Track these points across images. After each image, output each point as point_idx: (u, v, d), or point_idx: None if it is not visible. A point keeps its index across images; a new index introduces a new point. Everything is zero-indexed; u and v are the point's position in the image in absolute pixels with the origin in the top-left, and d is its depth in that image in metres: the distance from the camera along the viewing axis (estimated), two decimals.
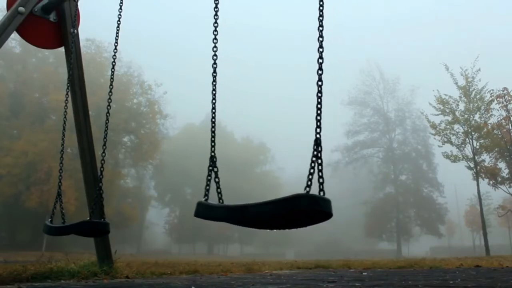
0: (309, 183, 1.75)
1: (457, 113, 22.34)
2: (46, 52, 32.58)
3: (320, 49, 1.97)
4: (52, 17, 4.35)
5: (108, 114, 3.66)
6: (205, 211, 2.04)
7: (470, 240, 55.11)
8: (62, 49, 4.59)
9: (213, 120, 2.39)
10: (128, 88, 38.75)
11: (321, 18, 2.01)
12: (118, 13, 3.82)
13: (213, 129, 2.37)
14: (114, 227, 24.96)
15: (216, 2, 2.54)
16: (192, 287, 3.16)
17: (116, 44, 3.86)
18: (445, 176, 47.27)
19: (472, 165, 21.72)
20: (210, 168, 2.21)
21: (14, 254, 18.81)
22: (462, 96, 22.34)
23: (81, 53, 4.59)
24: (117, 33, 3.84)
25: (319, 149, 1.81)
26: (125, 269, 4.58)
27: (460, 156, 22.13)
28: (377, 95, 52.03)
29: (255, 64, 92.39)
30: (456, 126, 22.40)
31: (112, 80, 3.76)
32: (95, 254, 4.48)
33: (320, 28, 1.99)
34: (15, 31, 3.98)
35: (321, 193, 1.75)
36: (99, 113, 29.18)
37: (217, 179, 2.21)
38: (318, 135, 1.83)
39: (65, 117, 4.05)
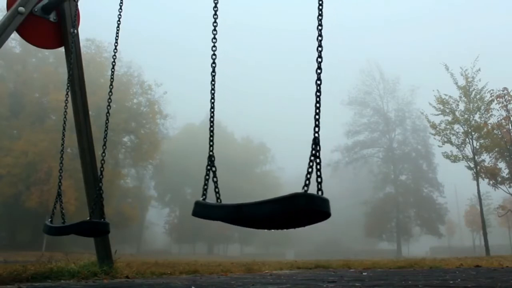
0: (307, 182, 1.74)
1: (457, 113, 22.35)
2: (46, 52, 32.58)
3: (319, 48, 1.97)
4: (52, 17, 4.35)
5: (108, 114, 3.66)
6: (202, 210, 2.03)
7: (470, 240, 55.12)
8: (62, 49, 4.60)
9: (212, 119, 2.39)
10: (128, 88, 38.75)
11: (320, 17, 2.01)
12: (118, 13, 3.82)
13: (211, 129, 2.37)
14: (114, 227, 24.96)
15: (216, 2, 2.54)
16: (192, 287, 3.16)
17: (116, 44, 3.86)
18: (445, 176, 47.33)
19: (472, 165, 21.72)
20: (208, 167, 2.20)
21: (14, 254, 18.81)
22: (462, 96, 22.34)
23: (81, 53, 4.59)
24: (117, 33, 3.84)
25: (318, 148, 1.80)
26: (125, 269, 4.58)
27: (460, 156, 22.14)
28: (377, 95, 52.10)
29: (255, 64, 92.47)
30: (456, 126, 22.41)
31: (112, 80, 3.76)
32: (95, 254, 4.48)
33: (320, 27, 1.99)
34: (15, 31, 3.98)
35: (319, 193, 1.74)
36: (99, 113, 29.17)
37: (215, 179, 2.20)
38: (316, 134, 1.83)
39: (65, 117, 4.05)
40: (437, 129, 22.78)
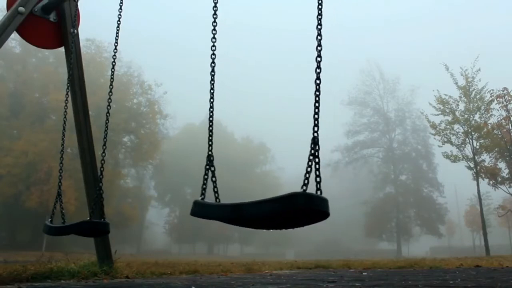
0: (306, 181, 1.74)
1: (457, 113, 22.35)
2: (46, 52, 32.58)
3: (319, 48, 1.97)
4: (52, 17, 4.35)
5: (108, 114, 3.66)
6: (201, 210, 2.03)
7: (470, 240, 55.12)
8: (62, 49, 4.60)
9: (211, 119, 2.39)
10: (128, 88, 38.74)
11: (320, 16, 2.01)
12: (118, 13, 3.82)
13: (210, 128, 2.37)
14: (114, 227, 24.97)
15: (216, 1, 2.54)
16: (192, 287, 3.16)
17: (116, 44, 3.86)
18: (445, 176, 47.33)
19: (472, 165, 21.72)
20: (207, 167, 2.20)
21: (14, 254, 18.81)
22: (462, 96, 22.34)
23: (81, 53, 4.59)
24: (117, 33, 3.84)
25: (316, 147, 1.80)
26: (125, 269, 4.58)
27: (460, 156, 22.14)
28: (377, 95, 52.10)
29: (255, 64, 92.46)
30: (456, 126, 22.41)
31: (112, 80, 3.76)
32: (95, 254, 4.48)
33: (319, 27, 1.99)
34: (15, 31, 3.98)
35: (318, 192, 1.73)
36: (99, 113, 29.17)
37: (214, 178, 2.20)
38: (315, 134, 1.82)
39: (65, 117, 4.05)
40: (437, 129, 22.78)
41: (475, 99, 22.04)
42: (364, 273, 5.08)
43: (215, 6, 2.53)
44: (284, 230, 2.05)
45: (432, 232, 47.09)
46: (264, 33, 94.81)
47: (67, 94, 4.10)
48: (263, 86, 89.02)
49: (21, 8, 3.92)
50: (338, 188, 51.16)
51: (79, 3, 4.47)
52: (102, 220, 3.54)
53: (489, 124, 21.88)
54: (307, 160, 1.77)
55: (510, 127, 21.72)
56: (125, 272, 4.39)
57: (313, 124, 1.84)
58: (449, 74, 22.47)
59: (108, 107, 3.64)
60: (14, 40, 28.93)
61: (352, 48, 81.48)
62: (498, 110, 21.85)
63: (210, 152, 2.24)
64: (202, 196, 2.10)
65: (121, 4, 3.85)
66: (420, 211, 47.47)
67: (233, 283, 3.50)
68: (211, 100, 2.44)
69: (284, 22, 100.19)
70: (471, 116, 21.98)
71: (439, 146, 23.21)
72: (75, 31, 4.37)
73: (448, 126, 22.50)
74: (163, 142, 43.14)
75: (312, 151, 1.78)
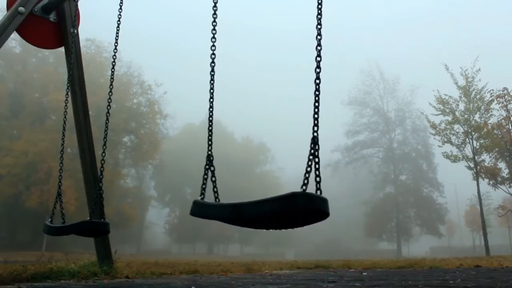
0: (305, 181, 1.74)
1: (457, 113, 22.34)
2: (46, 52, 32.58)
3: (319, 48, 1.96)
4: (52, 17, 4.35)
5: (108, 114, 3.66)
6: (200, 210, 2.03)
7: (470, 240, 55.12)
8: (62, 49, 4.60)
9: (211, 119, 2.39)
10: (128, 88, 38.74)
11: (319, 16, 2.01)
12: (118, 13, 3.82)
13: (210, 128, 2.36)
14: (114, 227, 24.97)
15: (215, 1, 2.54)
16: (192, 287, 3.16)
17: (116, 44, 3.86)
18: (445, 176, 47.33)
19: (472, 165, 21.72)
20: (207, 167, 2.20)
21: (14, 254, 18.80)
22: (462, 96, 22.34)
23: (81, 53, 4.59)
24: (117, 33, 3.84)
25: (316, 147, 1.80)
26: (125, 269, 4.58)
27: (460, 156, 22.14)
28: (377, 95, 52.09)
29: (255, 64, 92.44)
30: (456, 126, 22.41)
31: (112, 80, 3.76)
32: (95, 254, 4.48)
33: (319, 27, 1.99)
34: (15, 31, 3.98)
35: (318, 192, 1.73)
36: (99, 113, 29.17)
37: (213, 178, 2.20)
38: (315, 134, 1.82)
39: (65, 117, 4.05)
40: (437, 129, 22.78)
41: (475, 99, 22.04)
42: (364, 273, 5.08)
43: (215, 6, 2.53)
44: (284, 230, 2.05)
45: (432, 232, 47.08)
46: (264, 33, 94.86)
47: (67, 94, 4.10)
48: (263, 86, 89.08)
49: (21, 8, 3.92)
50: (338, 188, 51.17)
51: (79, 3, 4.47)
52: (102, 220, 3.54)
53: (489, 124, 21.89)
54: (307, 160, 1.77)
55: (510, 127, 21.72)
56: (125, 272, 4.39)
57: (313, 124, 1.84)
58: (449, 74, 22.50)
59: (108, 107, 3.64)
60: (14, 40, 28.93)
61: (352, 48, 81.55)
62: (498, 110, 21.89)
63: (209, 152, 2.24)
64: (202, 196, 2.10)
65: (121, 4, 3.85)
66: (420, 211, 47.47)
67: (233, 283, 3.50)
68: (211, 100, 2.44)
69: (284, 22, 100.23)
70: (471, 116, 21.98)
71: (439, 146, 23.23)
72: (75, 31, 4.37)
73: (448, 126, 22.50)
74: (163, 142, 43.14)
75: (312, 151, 1.78)
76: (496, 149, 21.97)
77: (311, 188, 1.73)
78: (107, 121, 3.68)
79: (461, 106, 22.36)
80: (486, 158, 22.39)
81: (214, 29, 2.47)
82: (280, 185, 60.13)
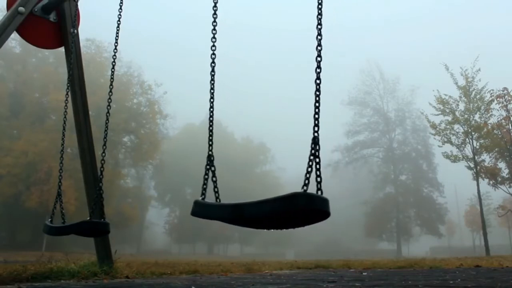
0: (306, 181, 1.74)
1: (457, 113, 22.34)
2: (46, 52, 32.58)
3: (319, 48, 1.97)
4: (52, 17, 4.35)
5: (108, 114, 3.66)
6: (201, 210, 2.03)
7: (470, 240, 55.12)
8: (62, 49, 4.60)
9: (211, 119, 2.39)
10: (128, 88, 38.74)
11: (320, 16, 2.01)
12: (118, 13, 3.82)
13: (211, 128, 2.36)
14: (114, 227, 24.96)
15: (216, 1, 2.54)
16: (192, 287, 3.16)
17: (116, 44, 3.86)
18: (445, 176, 47.33)
19: (472, 165, 21.72)
20: (208, 167, 2.20)
21: (14, 254, 18.80)
22: (462, 96, 22.34)
23: (81, 53, 4.59)
24: (117, 33, 3.84)
25: (317, 147, 1.80)
26: (125, 269, 4.58)
27: (460, 156, 22.14)
28: (377, 95, 52.10)
29: (255, 64, 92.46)
30: (456, 126, 22.41)
31: (112, 80, 3.76)
32: (95, 254, 4.48)
33: (319, 27, 1.99)
34: (15, 31, 3.98)
35: (319, 192, 1.73)
36: (99, 113, 29.18)
37: (214, 178, 2.20)
38: (316, 134, 1.82)
39: (65, 117, 4.05)
40: (437, 129, 22.78)
41: (475, 99, 22.04)
42: (364, 273, 5.08)
43: (215, 6, 2.53)
44: (284, 230, 2.05)
45: (432, 232, 47.08)
46: (264, 33, 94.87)
47: (67, 94, 4.10)
48: (263, 86, 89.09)
49: (21, 8, 3.92)
50: (338, 188, 51.14)
51: (79, 3, 4.47)
52: (102, 220, 3.54)
53: (489, 124, 21.89)
54: (307, 160, 1.77)
55: (510, 127, 21.72)
56: (125, 272, 4.39)
57: (313, 124, 1.84)
58: (449, 74, 22.49)
59: (108, 107, 3.64)
60: (14, 40, 28.93)
61: (352, 48, 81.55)
62: (498, 110, 21.88)
63: (210, 152, 2.24)
64: (203, 196, 2.10)
65: (121, 4, 3.85)
66: (420, 211, 47.47)
67: (233, 283, 3.50)
68: (211, 100, 2.44)
69: (284, 22, 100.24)
70: (471, 116, 21.98)
71: (439, 146, 23.23)
72: (75, 31, 4.37)
73: (448, 126, 22.50)
74: (163, 142, 43.14)
75: (313, 151, 1.78)
76: (496, 149, 21.97)
77: (311, 188, 1.73)
78: (107, 121, 3.68)
79: (461, 106, 22.39)
80: (486, 158, 22.42)
81: (214, 29, 2.47)
82: (280, 185, 60.12)
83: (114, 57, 3.86)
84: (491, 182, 22.20)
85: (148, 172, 48.28)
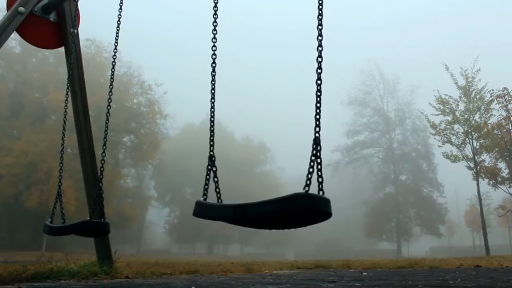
0: (308, 182, 1.75)
1: (457, 113, 22.34)
2: (46, 52, 32.58)
3: (319, 48, 1.97)
4: (52, 17, 4.35)
5: (108, 114, 3.66)
6: (203, 210, 2.03)
7: (470, 240, 55.12)
8: (62, 49, 4.60)
9: (212, 119, 2.38)
10: (128, 88, 38.74)
11: (320, 17, 2.01)
12: (118, 13, 3.82)
13: (212, 128, 2.36)
14: (114, 227, 24.94)
15: (216, 1, 2.54)
16: (192, 287, 3.16)
17: (116, 44, 3.86)
18: (445, 176, 47.33)
19: (472, 165, 21.72)
20: (209, 167, 2.20)
21: (14, 254, 18.80)
22: (462, 96, 22.34)
23: (81, 53, 4.59)
24: (117, 33, 3.84)
25: (318, 148, 1.81)
26: (125, 269, 4.58)
27: (460, 156, 22.14)
28: (377, 95, 52.10)
29: (255, 64, 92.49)
30: (456, 126, 22.41)
31: (112, 80, 3.76)
32: (95, 254, 4.48)
33: (320, 27, 1.99)
34: (15, 31, 3.98)
35: (321, 193, 1.74)
36: (99, 113, 29.18)
37: (216, 179, 2.20)
38: (317, 134, 1.83)
39: (65, 117, 4.05)
40: (437, 129, 22.78)
41: (475, 99, 22.04)
42: (364, 273, 5.08)
43: (216, 6, 2.53)
44: (285, 230, 2.05)
45: (432, 232, 47.08)
46: (264, 33, 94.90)
47: (67, 94, 4.10)
48: (263, 86, 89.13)
49: (21, 8, 3.92)
50: (338, 188, 51.12)
51: (79, 3, 4.47)
52: (102, 220, 3.54)
53: (489, 124, 21.89)
54: (307, 160, 1.78)
55: (510, 127, 21.72)
56: (125, 272, 4.39)
57: (314, 125, 1.84)
58: (449, 74, 22.49)
59: (108, 107, 3.64)
60: (14, 40, 28.93)
61: (352, 48, 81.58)
62: (498, 110, 21.88)
63: (211, 153, 2.25)
64: (204, 197, 2.10)
65: (121, 4, 3.85)
66: (420, 211, 47.47)
67: (233, 283, 3.50)
68: (212, 100, 2.43)
69: (284, 22, 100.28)
70: (471, 116, 21.98)
71: (439, 146, 23.23)
72: (75, 31, 4.37)
73: (448, 126, 22.50)
74: (163, 142, 43.14)
75: (314, 152, 1.79)
76: (496, 149, 21.97)
77: (313, 189, 1.73)
78: (107, 121, 3.68)
79: (461, 106, 22.39)
80: (486, 158, 22.42)
81: (215, 29, 2.47)
82: (280, 185, 60.15)
83: (114, 57, 3.86)
84: (491, 182, 22.21)
85: (148, 172, 48.31)
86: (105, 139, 3.64)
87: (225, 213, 1.95)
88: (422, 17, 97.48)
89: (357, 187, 53.86)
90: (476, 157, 21.74)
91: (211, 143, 2.29)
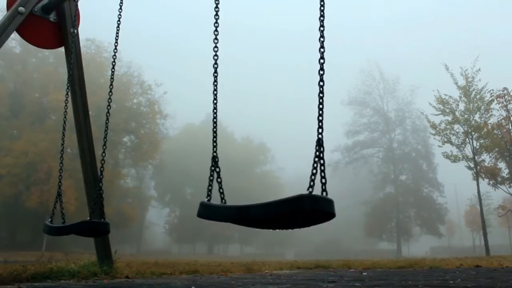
0: (311, 183, 1.76)
1: (457, 113, 22.34)
2: (46, 52, 32.58)
3: (321, 49, 1.97)
4: (52, 17, 4.35)
5: (108, 114, 3.66)
6: (207, 211, 2.04)
7: (470, 240, 55.13)
8: (62, 49, 4.59)
9: (215, 120, 2.39)
10: (128, 88, 38.75)
11: (322, 18, 2.01)
12: (118, 13, 3.82)
13: (214, 129, 2.37)
14: (114, 227, 24.95)
15: (217, 2, 2.54)
16: (192, 287, 3.16)
17: (116, 44, 3.86)
18: (445, 176, 47.33)
19: (472, 165, 21.72)
20: (212, 168, 2.20)
21: (14, 254, 18.80)
22: (462, 96, 22.34)
23: (81, 53, 4.59)
24: (117, 33, 3.84)
25: (321, 149, 1.82)
26: (125, 269, 4.58)
27: (460, 156, 22.13)
28: (377, 95, 52.11)
29: (255, 64, 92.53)
30: (456, 126, 22.41)
31: (112, 80, 3.76)
32: (95, 254, 4.48)
33: (321, 29, 1.99)
34: (15, 31, 3.97)
35: (324, 193, 1.76)
36: (99, 113, 29.18)
37: (219, 179, 2.20)
38: (320, 136, 1.84)
39: (65, 117, 4.05)
40: (437, 129, 22.78)
41: (475, 99, 22.04)
42: (364, 273, 5.08)
43: (217, 7, 2.52)
44: (285, 230, 2.06)
45: (432, 232, 47.08)
46: (264, 33, 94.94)
47: (67, 94, 4.10)
48: (263, 86, 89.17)
49: (21, 8, 3.92)
50: (338, 188, 51.10)
51: (79, 3, 4.47)
52: (102, 220, 3.54)
53: (489, 124, 21.89)
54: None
55: (510, 127, 21.72)
56: (125, 272, 4.39)
57: (317, 126, 1.85)
58: (449, 74, 22.49)
59: (108, 107, 3.64)
60: (14, 40, 28.93)
61: (352, 48, 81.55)
62: (498, 110, 21.88)
63: (215, 154, 2.25)
64: (208, 198, 2.11)
65: (121, 4, 3.85)
66: (420, 211, 47.47)
67: (233, 283, 3.50)
68: (215, 101, 2.43)
69: (284, 22, 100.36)
70: (471, 116, 21.98)
71: (439, 146, 23.23)
72: (75, 31, 4.37)
73: (448, 126, 22.50)
74: (163, 142, 43.14)
75: (317, 153, 1.80)
76: (496, 149, 21.96)
77: (315, 189, 1.75)
78: (107, 121, 3.68)
79: (461, 106, 22.39)
80: (486, 158, 22.42)
81: (216, 30, 2.47)
82: (280, 185, 60.18)
83: (114, 57, 3.86)
84: (491, 182, 22.21)
85: (148, 172, 48.31)
86: (105, 139, 3.64)
87: (229, 214, 1.96)
88: (422, 17, 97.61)
89: (357, 187, 53.86)
90: (476, 157, 21.75)
91: (214, 144, 2.30)
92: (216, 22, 2.49)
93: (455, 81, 22.40)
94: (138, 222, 45.25)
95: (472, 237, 53.80)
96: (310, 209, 1.70)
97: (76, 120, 4.42)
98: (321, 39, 1.97)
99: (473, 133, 21.88)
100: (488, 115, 21.94)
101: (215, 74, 2.44)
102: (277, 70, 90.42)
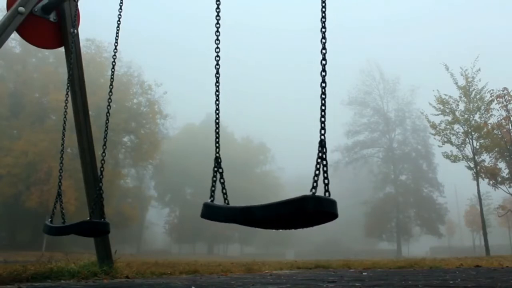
0: (314, 184, 1.77)
1: (457, 113, 22.34)
2: (46, 52, 32.59)
3: (323, 51, 1.97)
4: (52, 17, 4.35)
5: (108, 114, 3.66)
6: (211, 212, 2.04)
7: (470, 240, 55.13)
8: (62, 49, 4.59)
9: (217, 121, 2.38)
10: (128, 88, 38.75)
11: (323, 19, 2.01)
12: (118, 13, 3.82)
13: (217, 130, 2.37)
14: (114, 227, 24.94)
15: (218, 3, 2.53)
16: (192, 287, 3.16)
17: (116, 44, 3.85)
18: (445, 176, 47.33)
19: (472, 165, 21.72)
20: (215, 169, 2.21)
21: (14, 254, 18.80)
22: (462, 96, 22.34)
23: (81, 53, 4.59)
24: (117, 33, 3.84)
25: (324, 150, 1.83)
26: (125, 269, 4.58)
27: (460, 156, 22.14)
28: (377, 95, 52.11)
29: (255, 64, 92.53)
30: (456, 126, 22.41)
31: (112, 80, 3.75)
32: (95, 254, 4.48)
33: (323, 30, 1.98)
34: (15, 31, 3.97)
35: (327, 194, 1.77)
36: (99, 113, 29.19)
37: (222, 180, 2.21)
38: (322, 137, 1.85)
39: (65, 117, 4.05)
40: (437, 129, 22.78)
41: (475, 99, 22.04)
42: (364, 273, 5.08)
43: (218, 7, 2.52)
44: (285, 230, 2.07)
45: (432, 232, 47.08)
46: (264, 33, 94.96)
47: (67, 94, 4.10)
48: (263, 86, 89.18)
49: (21, 8, 3.92)
50: (338, 188, 50.84)
51: (79, 3, 4.47)
52: (102, 220, 3.54)
53: (489, 124, 21.89)
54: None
55: (510, 127, 21.72)
56: (125, 272, 4.39)
57: (319, 127, 1.86)
58: (449, 74, 22.50)
59: (108, 107, 3.64)
60: (14, 40, 28.93)
61: (352, 48, 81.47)
62: (498, 110, 21.88)
63: (217, 154, 2.26)
64: (212, 199, 2.11)
65: (121, 4, 3.85)
66: (420, 211, 47.47)
67: (233, 283, 3.50)
68: (217, 102, 2.43)
69: (284, 22, 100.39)
70: (471, 116, 21.98)
71: (439, 146, 23.23)
72: (75, 31, 4.37)
73: (448, 126, 22.50)
74: (163, 142, 43.13)
75: (320, 154, 1.81)
76: (496, 149, 21.96)
77: (318, 190, 1.75)
78: (107, 121, 3.68)
79: (461, 106, 22.39)
80: (486, 158, 22.42)
81: (217, 30, 2.46)
82: (280, 185, 60.18)
83: (114, 57, 3.86)
84: (491, 182, 22.21)
85: (148, 172, 48.31)
86: (105, 139, 3.64)
87: (232, 215, 1.96)
88: (422, 17, 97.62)
89: (357, 187, 53.85)
90: (476, 157, 21.75)
91: (217, 145, 2.30)
92: (218, 23, 2.48)
93: (455, 81, 22.43)
94: (138, 222, 45.25)
95: (472, 237, 53.81)
96: (313, 210, 1.70)
97: (76, 120, 4.42)
98: (323, 40, 1.97)
99: (473, 133, 21.88)
100: (488, 115, 21.97)
101: (217, 75, 2.43)
102: (277, 70, 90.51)
